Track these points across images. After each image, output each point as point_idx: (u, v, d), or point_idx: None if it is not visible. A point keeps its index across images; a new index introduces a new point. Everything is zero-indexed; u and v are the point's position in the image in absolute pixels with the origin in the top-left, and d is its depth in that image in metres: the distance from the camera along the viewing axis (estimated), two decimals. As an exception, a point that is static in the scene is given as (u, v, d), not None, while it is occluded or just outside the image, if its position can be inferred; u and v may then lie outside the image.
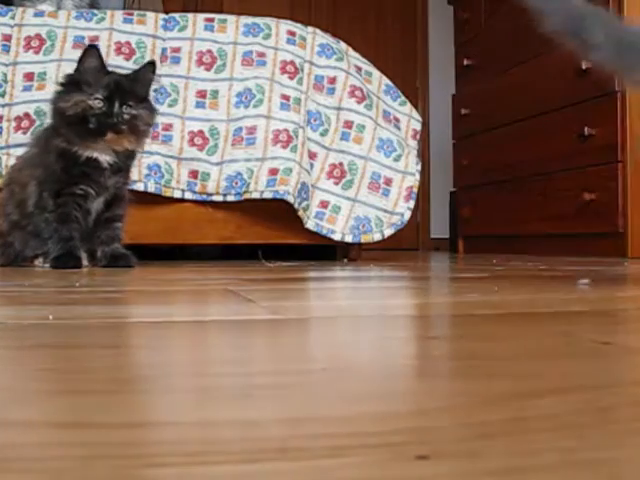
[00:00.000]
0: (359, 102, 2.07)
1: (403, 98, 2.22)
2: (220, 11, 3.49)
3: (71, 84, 1.47)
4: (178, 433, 0.25)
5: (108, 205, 1.53)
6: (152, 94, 1.91)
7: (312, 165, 2.01)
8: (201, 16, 2.06)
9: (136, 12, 2.03)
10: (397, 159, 2.08)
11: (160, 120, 1.91)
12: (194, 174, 1.93)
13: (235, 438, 0.25)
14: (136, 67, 1.65)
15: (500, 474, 0.21)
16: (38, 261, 1.50)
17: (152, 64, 1.56)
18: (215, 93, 1.97)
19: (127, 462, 0.22)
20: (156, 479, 0.21)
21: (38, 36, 1.91)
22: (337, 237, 2.00)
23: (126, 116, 1.46)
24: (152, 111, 1.55)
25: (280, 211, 1.96)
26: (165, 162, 1.92)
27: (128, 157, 1.55)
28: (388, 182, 2.06)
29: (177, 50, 1.98)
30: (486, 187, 3.12)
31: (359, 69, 2.16)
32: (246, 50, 2.01)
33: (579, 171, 2.49)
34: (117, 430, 0.26)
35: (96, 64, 1.46)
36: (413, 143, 2.17)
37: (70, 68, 1.88)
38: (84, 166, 1.47)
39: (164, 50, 1.97)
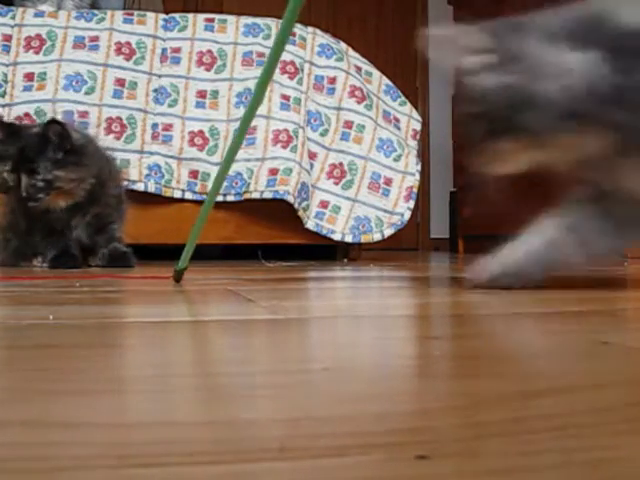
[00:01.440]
0: (359, 102, 2.07)
1: (403, 98, 2.22)
2: (220, 11, 3.49)
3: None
4: (178, 433, 0.25)
5: (96, 220, 1.50)
6: (152, 94, 1.91)
7: (312, 165, 2.01)
8: (201, 16, 2.06)
9: (136, 12, 2.03)
10: (397, 159, 2.08)
11: (160, 120, 1.91)
12: (194, 174, 1.93)
13: (235, 438, 0.25)
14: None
15: (500, 474, 0.21)
16: (37, 260, 1.51)
17: (54, 123, 1.37)
18: (215, 93, 1.97)
19: (126, 462, 0.22)
20: (155, 479, 0.21)
21: (38, 36, 1.91)
22: (337, 237, 2.00)
23: (40, 184, 1.35)
24: (77, 164, 1.39)
25: (280, 211, 1.96)
26: (165, 162, 1.92)
27: (90, 193, 1.43)
28: (388, 182, 2.06)
29: (177, 50, 1.98)
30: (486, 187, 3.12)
31: (359, 69, 2.16)
32: (246, 50, 2.01)
33: (579, 171, 2.49)
34: (116, 430, 0.26)
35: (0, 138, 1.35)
36: (413, 143, 2.17)
37: (70, 68, 1.88)
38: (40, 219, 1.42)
39: (164, 50, 1.97)
